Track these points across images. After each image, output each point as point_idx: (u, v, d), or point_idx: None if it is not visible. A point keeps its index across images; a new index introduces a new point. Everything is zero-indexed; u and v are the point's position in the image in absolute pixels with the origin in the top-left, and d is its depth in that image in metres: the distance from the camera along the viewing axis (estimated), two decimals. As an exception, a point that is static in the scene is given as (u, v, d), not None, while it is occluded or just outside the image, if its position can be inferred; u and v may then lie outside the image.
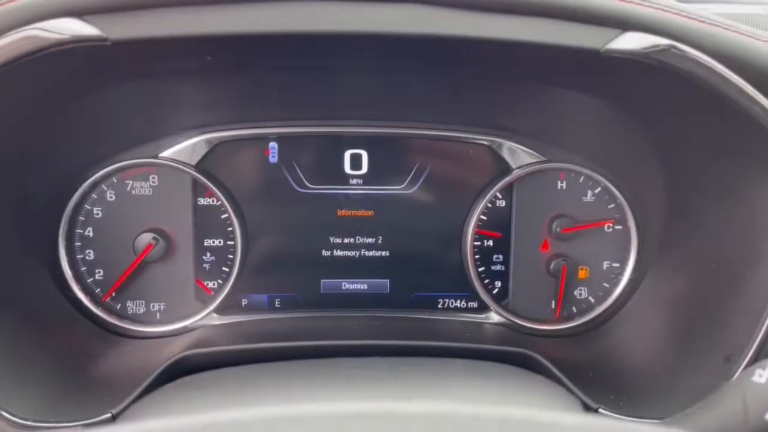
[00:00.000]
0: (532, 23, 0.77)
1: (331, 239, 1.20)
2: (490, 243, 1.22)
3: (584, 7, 0.78)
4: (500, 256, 1.23)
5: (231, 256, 1.18)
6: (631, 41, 0.78)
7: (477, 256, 1.22)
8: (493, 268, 1.23)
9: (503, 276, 1.23)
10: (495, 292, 1.23)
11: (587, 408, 0.92)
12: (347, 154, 1.19)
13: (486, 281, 1.23)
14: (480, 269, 1.22)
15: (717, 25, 0.83)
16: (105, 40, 0.74)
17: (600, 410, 0.91)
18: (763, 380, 0.62)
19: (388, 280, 1.23)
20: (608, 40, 0.78)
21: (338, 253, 1.21)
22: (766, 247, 0.90)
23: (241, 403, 0.76)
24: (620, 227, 1.21)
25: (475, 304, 1.24)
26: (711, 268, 1.01)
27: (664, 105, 0.94)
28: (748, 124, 0.83)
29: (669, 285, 1.12)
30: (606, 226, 1.21)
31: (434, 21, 0.76)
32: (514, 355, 1.01)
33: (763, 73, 0.83)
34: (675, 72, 0.80)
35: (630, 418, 0.88)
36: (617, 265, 1.22)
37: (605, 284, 1.22)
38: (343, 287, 1.22)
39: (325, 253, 1.21)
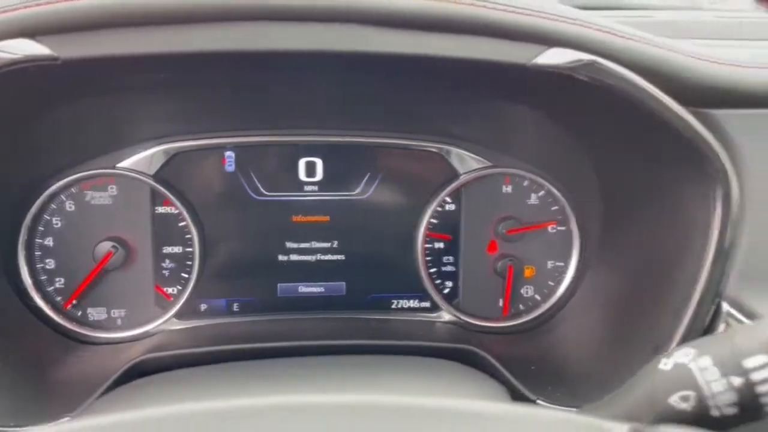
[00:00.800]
0: (463, 41, 0.83)
1: (287, 244, 1.24)
2: (441, 245, 1.28)
3: (512, 25, 0.83)
4: (451, 258, 1.28)
5: (189, 263, 1.22)
6: (554, 56, 0.83)
7: (429, 258, 1.27)
8: (444, 269, 1.28)
9: (454, 276, 1.29)
10: (446, 292, 1.29)
11: (527, 400, 0.98)
12: (302, 162, 1.23)
13: (438, 282, 1.28)
14: (431, 270, 1.28)
15: (637, 40, 0.89)
16: (56, 59, 0.77)
17: (537, 401, 0.97)
18: (667, 368, 0.68)
19: (344, 283, 1.28)
20: (534, 55, 0.84)
21: (294, 257, 1.25)
22: (690, 248, 0.97)
23: (171, 400, 0.79)
24: (563, 228, 1.28)
25: (427, 304, 1.29)
26: (643, 268, 1.08)
27: (593, 115, 1.01)
28: (669, 133, 0.90)
29: (607, 283, 1.19)
30: (550, 227, 1.28)
31: (367, 39, 0.81)
32: (459, 351, 1.07)
33: (680, 83, 0.90)
34: (598, 85, 0.86)
35: (559, 407, 0.94)
36: (561, 264, 1.28)
37: (550, 282, 1.29)
38: (300, 290, 1.26)
39: (282, 258, 1.25)
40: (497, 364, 1.03)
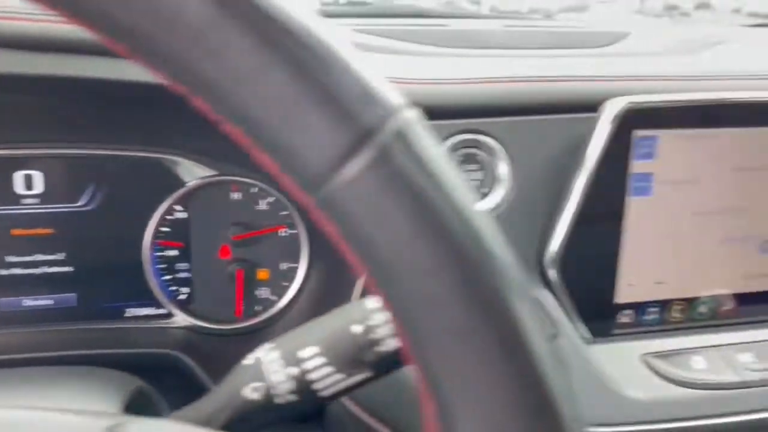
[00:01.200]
0: (79, 60, 0.86)
1: (7, 258, 1.23)
2: (174, 253, 1.30)
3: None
4: (185, 264, 1.31)
5: None
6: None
7: (162, 266, 1.30)
8: (179, 275, 1.31)
9: (189, 282, 1.32)
10: (182, 298, 1.32)
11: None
12: (18, 175, 1.22)
13: (173, 288, 1.31)
14: (166, 278, 1.31)
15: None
16: None
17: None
18: (248, 362, 0.74)
19: (75, 294, 1.28)
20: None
21: (16, 271, 1.24)
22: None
23: None
24: (294, 231, 1.34)
25: (164, 311, 1.32)
26: (340, 270, 1.16)
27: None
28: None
29: (324, 284, 1.27)
30: (280, 231, 1.33)
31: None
32: (160, 356, 1.11)
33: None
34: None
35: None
36: (294, 265, 1.35)
37: (284, 283, 1.35)
38: (24, 304, 1.25)
39: (2, 272, 1.23)
40: (193, 365, 1.08)
